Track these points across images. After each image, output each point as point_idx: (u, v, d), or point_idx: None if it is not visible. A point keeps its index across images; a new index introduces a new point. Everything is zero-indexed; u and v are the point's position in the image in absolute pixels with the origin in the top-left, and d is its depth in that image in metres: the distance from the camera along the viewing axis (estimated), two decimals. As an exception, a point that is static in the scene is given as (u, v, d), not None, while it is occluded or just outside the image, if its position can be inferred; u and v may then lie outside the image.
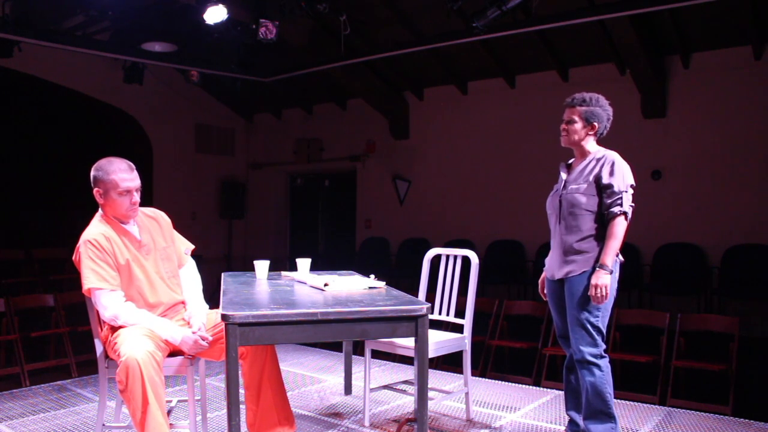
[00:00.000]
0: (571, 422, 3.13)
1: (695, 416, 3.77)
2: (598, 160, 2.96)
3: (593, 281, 2.80)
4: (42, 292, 6.35)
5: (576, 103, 3.03)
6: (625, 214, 2.86)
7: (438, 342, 3.31)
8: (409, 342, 3.10)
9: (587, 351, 2.85)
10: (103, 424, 2.84)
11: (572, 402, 3.12)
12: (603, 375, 2.85)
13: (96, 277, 2.66)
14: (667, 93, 6.91)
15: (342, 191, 10.16)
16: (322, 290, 3.00)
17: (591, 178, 2.93)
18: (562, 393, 4.18)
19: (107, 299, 2.68)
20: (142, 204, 2.86)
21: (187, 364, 2.72)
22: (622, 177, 2.89)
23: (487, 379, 4.71)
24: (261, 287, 3.20)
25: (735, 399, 4.25)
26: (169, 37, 7.11)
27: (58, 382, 4.49)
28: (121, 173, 2.74)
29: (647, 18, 6.08)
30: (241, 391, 2.77)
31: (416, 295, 3.50)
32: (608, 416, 2.87)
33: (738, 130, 6.53)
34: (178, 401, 3.35)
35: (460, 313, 3.54)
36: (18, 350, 4.88)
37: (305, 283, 3.28)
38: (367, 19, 7.02)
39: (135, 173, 2.79)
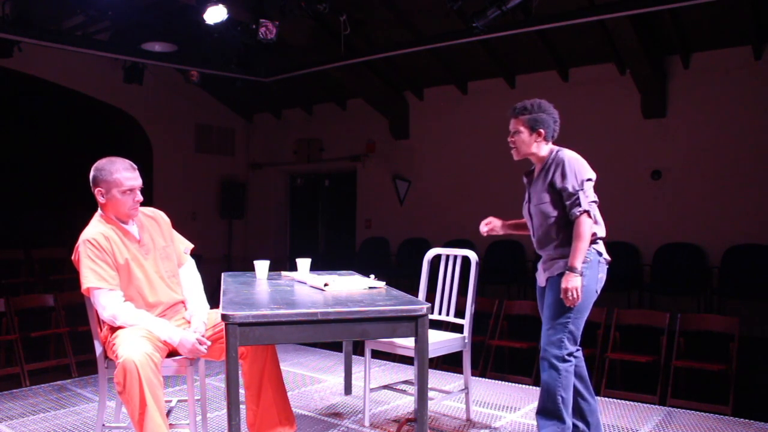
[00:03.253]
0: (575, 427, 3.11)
1: (695, 416, 3.76)
2: (551, 164, 2.92)
3: (563, 285, 2.77)
4: (42, 292, 6.35)
5: (518, 112, 2.99)
6: (587, 212, 2.79)
7: (438, 342, 3.31)
8: (409, 342, 3.10)
9: (551, 351, 2.84)
10: (103, 424, 2.84)
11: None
12: (559, 378, 2.82)
13: (95, 276, 2.66)
14: (667, 93, 6.91)
15: (342, 191, 10.16)
16: (322, 290, 3.00)
17: (548, 186, 2.90)
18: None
19: (106, 299, 2.67)
20: (142, 204, 2.86)
21: (186, 364, 2.72)
22: (574, 175, 2.83)
23: (487, 379, 4.71)
24: (261, 287, 3.20)
25: (735, 399, 4.25)
26: (169, 37, 7.11)
27: (58, 382, 4.49)
28: (124, 172, 2.75)
29: (647, 18, 6.08)
30: (241, 391, 2.77)
31: (416, 295, 3.50)
32: (556, 417, 2.84)
33: (738, 130, 6.53)
34: (178, 401, 3.35)
35: (460, 313, 3.54)
36: (18, 350, 4.88)
37: (305, 283, 3.28)
38: (367, 19, 7.02)
39: (137, 172, 2.81)
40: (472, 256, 3.51)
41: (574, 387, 3.02)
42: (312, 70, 7.65)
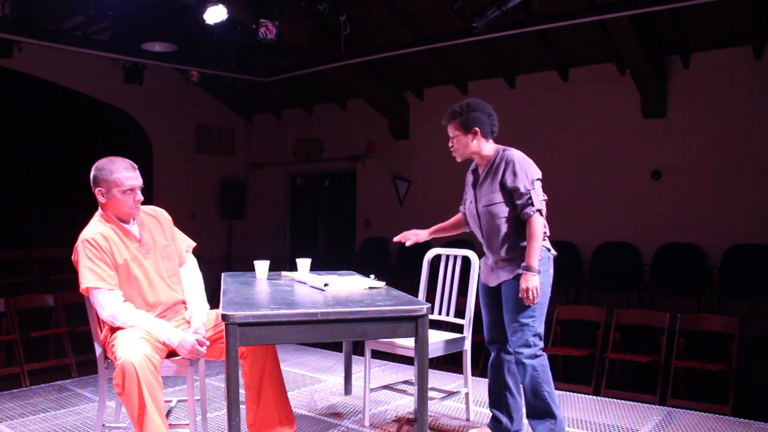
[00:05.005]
0: (494, 419, 3.18)
1: (695, 416, 3.76)
2: (499, 164, 2.93)
3: (522, 285, 2.80)
4: (42, 292, 6.35)
5: (450, 117, 3.03)
6: (539, 211, 2.82)
7: (438, 342, 3.31)
8: (409, 342, 3.10)
9: (522, 352, 2.89)
10: (103, 425, 2.84)
11: (495, 400, 3.17)
12: (538, 375, 2.88)
13: (93, 276, 2.66)
14: (667, 93, 6.91)
15: (342, 191, 10.16)
16: (322, 290, 3.00)
17: (498, 185, 2.91)
18: (562, 393, 4.19)
19: (105, 298, 2.67)
20: (142, 203, 2.86)
21: (187, 364, 2.72)
22: (525, 175, 2.84)
23: (487, 379, 4.69)
24: (261, 287, 3.20)
25: (735, 399, 4.25)
26: (169, 37, 7.11)
27: (58, 382, 4.49)
28: (124, 171, 2.74)
29: (647, 18, 6.08)
30: (242, 391, 2.77)
31: (416, 295, 3.50)
32: (548, 414, 2.90)
33: (738, 130, 6.53)
34: (178, 401, 3.35)
35: (460, 313, 3.54)
36: (18, 350, 4.88)
37: (305, 283, 3.28)
38: (367, 19, 7.03)
39: (137, 172, 2.80)
40: (473, 256, 3.51)
41: (505, 382, 3.12)
42: (312, 70, 7.65)
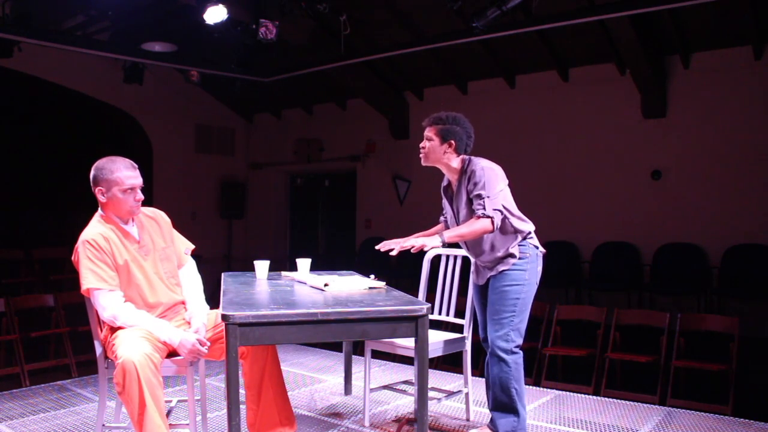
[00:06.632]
0: (493, 420, 3.18)
1: (695, 416, 3.76)
2: (466, 174, 3.03)
3: (419, 240, 2.87)
4: (42, 292, 6.35)
5: (432, 122, 3.08)
6: (490, 217, 2.85)
7: (438, 342, 3.31)
8: (409, 342, 3.10)
9: (498, 345, 2.95)
10: (103, 424, 2.84)
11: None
12: (510, 370, 2.93)
13: (94, 277, 2.66)
14: (667, 93, 6.91)
15: (342, 191, 10.16)
16: (322, 290, 3.00)
17: (467, 197, 3.00)
18: (562, 393, 4.20)
19: (105, 299, 2.67)
20: (142, 203, 2.86)
21: (187, 364, 2.72)
22: (483, 185, 2.91)
23: (487, 379, 4.70)
24: (261, 287, 3.20)
25: (735, 399, 4.25)
26: (169, 37, 7.11)
27: (58, 382, 4.49)
28: (124, 170, 2.75)
29: (647, 18, 6.08)
30: (242, 391, 2.77)
31: (416, 295, 3.50)
32: (512, 410, 2.96)
33: (738, 130, 6.53)
34: (178, 401, 3.35)
35: (460, 313, 3.54)
36: (18, 350, 4.88)
37: (305, 283, 3.28)
38: (367, 19, 7.02)
39: (137, 171, 2.81)
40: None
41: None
42: (312, 70, 7.65)
